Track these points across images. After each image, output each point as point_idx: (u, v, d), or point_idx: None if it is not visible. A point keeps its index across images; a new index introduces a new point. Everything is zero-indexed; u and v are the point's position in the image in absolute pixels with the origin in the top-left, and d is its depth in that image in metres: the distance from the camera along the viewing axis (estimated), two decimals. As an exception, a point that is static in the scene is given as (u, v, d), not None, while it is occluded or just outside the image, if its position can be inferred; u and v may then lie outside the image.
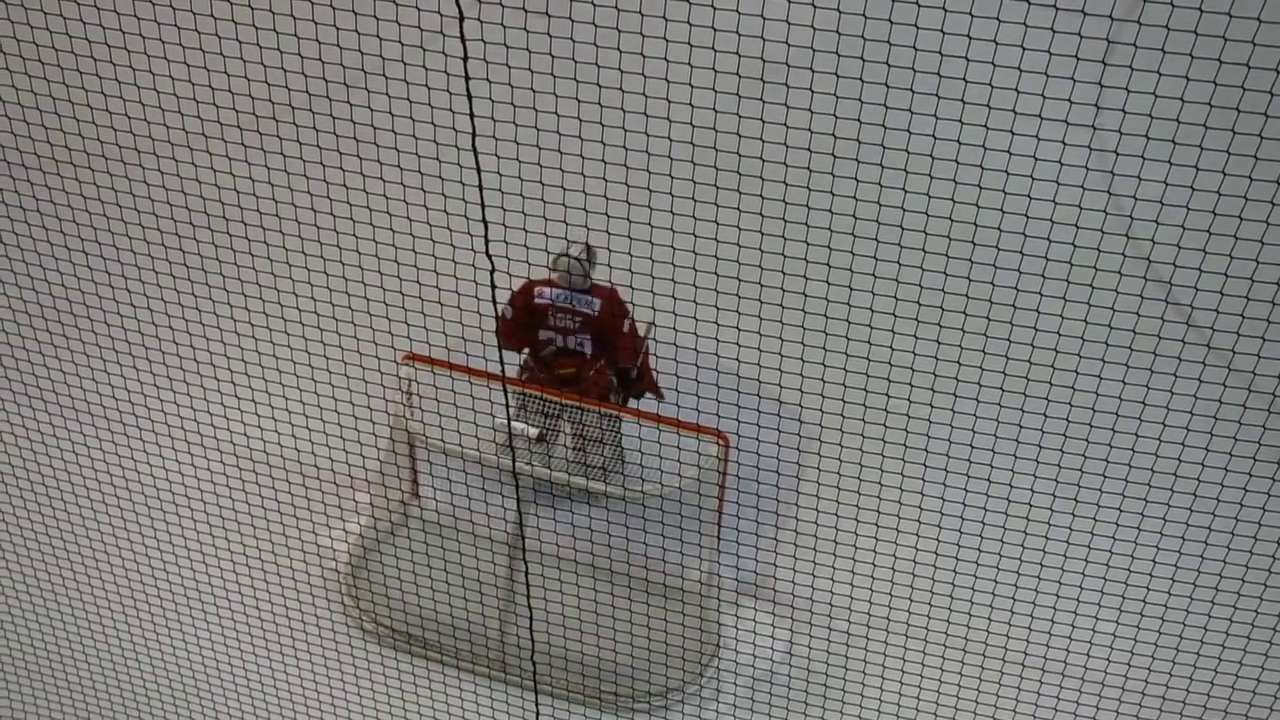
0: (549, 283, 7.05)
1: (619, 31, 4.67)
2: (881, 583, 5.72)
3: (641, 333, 7.20)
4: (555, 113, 4.96)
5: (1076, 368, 5.00)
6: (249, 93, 5.32)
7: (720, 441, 6.43)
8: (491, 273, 4.71)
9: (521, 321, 7.09)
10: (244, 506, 6.39)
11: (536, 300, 7.04)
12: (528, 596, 6.00)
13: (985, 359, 5.00)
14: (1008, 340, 4.93)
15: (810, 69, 4.44)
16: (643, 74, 4.63)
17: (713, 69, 4.53)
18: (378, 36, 4.88)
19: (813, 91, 4.54)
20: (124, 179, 5.74)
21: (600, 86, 4.69)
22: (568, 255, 6.87)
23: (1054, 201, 4.73)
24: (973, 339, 4.96)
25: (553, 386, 7.03)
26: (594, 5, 4.55)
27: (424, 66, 4.81)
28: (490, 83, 4.54)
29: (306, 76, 5.04)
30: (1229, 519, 5.11)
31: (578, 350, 7.11)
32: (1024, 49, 4.23)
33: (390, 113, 5.09)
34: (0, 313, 6.47)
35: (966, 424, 5.30)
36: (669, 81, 4.67)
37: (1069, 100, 4.41)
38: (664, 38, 4.51)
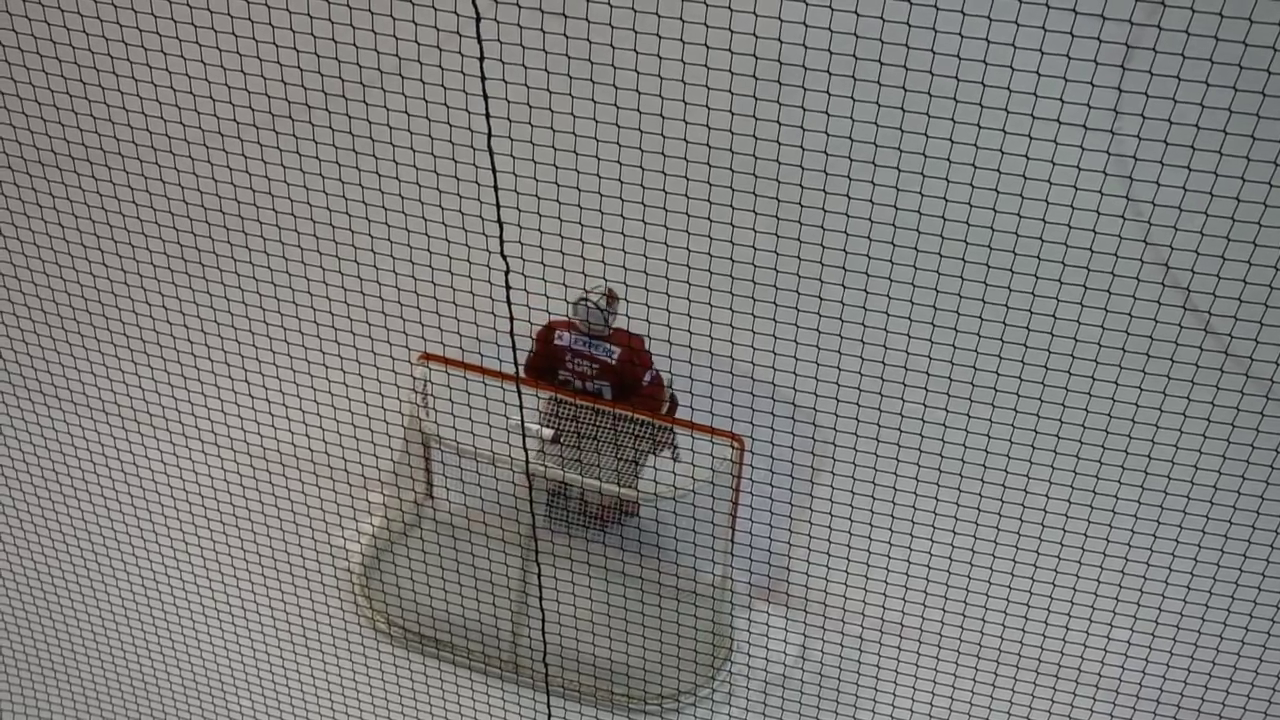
0: (569, 325, 6.85)
1: (635, 33, 4.66)
2: (896, 586, 5.70)
3: (667, 392, 6.96)
4: (571, 113, 4.96)
5: (1093, 373, 4.97)
6: (266, 92, 5.33)
7: (734, 444, 6.41)
8: (506, 273, 4.70)
9: (540, 364, 6.95)
10: (258, 505, 6.40)
11: (555, 343, 6.89)
12: (540, 597, 6.00)
13: (1001, 363, 4.99)
14: (1024, 345, 4.91)
15: (828, 71, 4.43)
16: (659, 75, 4.62)
17: (729, 71, 4.52)
18: (394, 37, 4.88)
19: (830, 94, 4.53)
20: (140, 177, 5.75)
21: (616, 88, 4.69)
22: (586, 301, 6.68)
23: (1071, 206, 4.70)
24: (989, 342, 4.94)
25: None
26: (610, 6, 4.54)
27: (440, 66, 4.81)
28: (506, 83, 4.54)
29: (324, 76, 5.04)
30: (1246, 526, 5.09)
31: (596, 393, 6.91)
32: (1042, 53, 4.21)
33: (406, 113, 5.09)
34: (19, 310, 6.50)
35: (982, 427, 5.28)
36: (685, 83, 4.66)
37: (1087, 105, 4.39)
38: (680, 39, 4.50)
